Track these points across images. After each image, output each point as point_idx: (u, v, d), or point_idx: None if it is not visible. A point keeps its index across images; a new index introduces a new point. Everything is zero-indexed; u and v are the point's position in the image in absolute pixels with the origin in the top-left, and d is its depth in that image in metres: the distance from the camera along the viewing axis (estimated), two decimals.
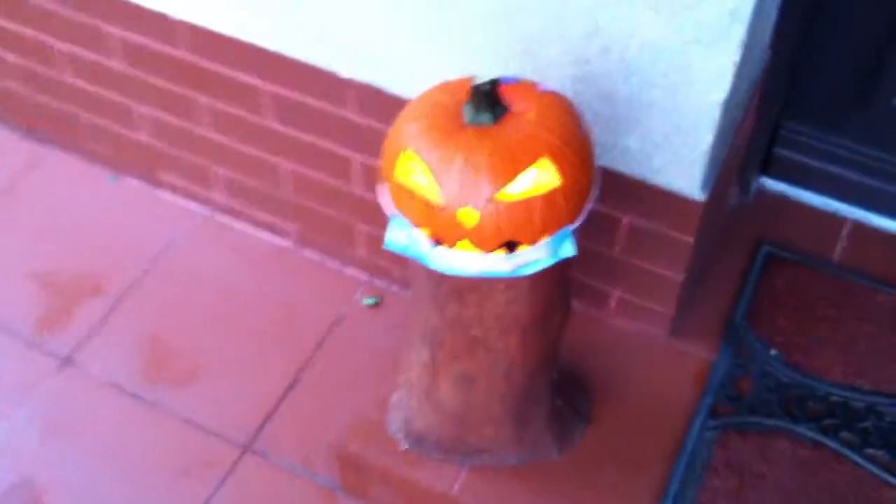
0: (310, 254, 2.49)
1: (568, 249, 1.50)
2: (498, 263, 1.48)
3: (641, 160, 1.82)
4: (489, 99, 1.44)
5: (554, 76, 1.75)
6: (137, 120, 2.47)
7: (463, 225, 1.44)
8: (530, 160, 1.42)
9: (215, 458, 2.15)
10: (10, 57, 2.57)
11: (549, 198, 1.44)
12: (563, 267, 1.56)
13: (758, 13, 1.60)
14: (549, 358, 1.80)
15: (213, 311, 2.39)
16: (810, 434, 1.96)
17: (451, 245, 1.46)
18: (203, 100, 2.29)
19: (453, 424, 1.87)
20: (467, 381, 1.77)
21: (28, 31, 2.45)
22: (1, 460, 2.16)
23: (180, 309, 2.40)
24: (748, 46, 1.63)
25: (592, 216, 1.56)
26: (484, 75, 1.49)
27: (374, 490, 2.04)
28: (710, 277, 2.20)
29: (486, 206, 1.42)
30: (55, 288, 2.46)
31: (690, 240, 1.91)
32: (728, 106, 1.70)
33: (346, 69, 2.00)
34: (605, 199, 1.85)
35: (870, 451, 1.94)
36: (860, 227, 2.26)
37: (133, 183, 2.66)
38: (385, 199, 1.53)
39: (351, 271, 2.44)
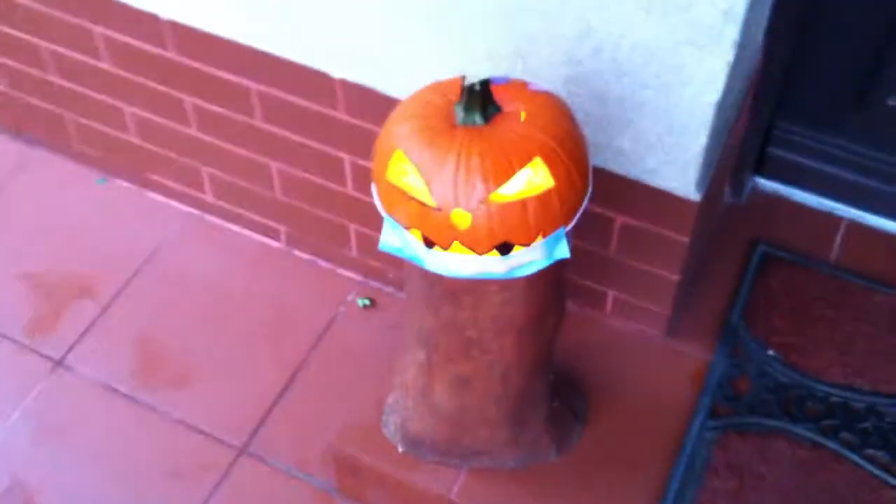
0: (302, 255, 2.47)
1: (563, 250, 1.48)
2: (492, 265, 1.46)
3: (635, 160, 1.82)
4: (481, 99, 1.43)
5: (546, 77, 1.74)
6: (127, 121, 2.45)
7: (456, 226, 1.42)
8: (523, 160, 1.40)
9: (210, 461, 2.14)
10: None
11: (542, 199, 1.42)
12: (557, 268, 1.55)
13: (751, 12, 1.59)
14: (545, 359, 1.80)
15: (206, 313, 2.38)
16: (810, 434, 1.95)
17: (445, 247, 1.45)
18: (193, 100, 2.27)
19: (449, 427, 1.86)
20: (463, 383, 1.76)
21: (15, 33, 2.43)
22: None
23: (172, 310, 2.39)
24: (742, 46, 1.62)
25: (587, 216, 1.55)
26: (476, 76, 1.48)
27: (370, 493, 2.03)
28: (706, 277, 2.19)
29: (479, 208, 1.40)
30: (46, 290, 2.44)
31: (686, 240, 1.91)
32: (722, 106, 1.69)
33: (337, 69, 1.99)
34: (600, 200, 1.84)
35: (869, 451, 1.93)
36: (856, 227, 2.25)
37: (123, 184, 2.65)
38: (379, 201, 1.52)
39: (344, 272, 2.43)
